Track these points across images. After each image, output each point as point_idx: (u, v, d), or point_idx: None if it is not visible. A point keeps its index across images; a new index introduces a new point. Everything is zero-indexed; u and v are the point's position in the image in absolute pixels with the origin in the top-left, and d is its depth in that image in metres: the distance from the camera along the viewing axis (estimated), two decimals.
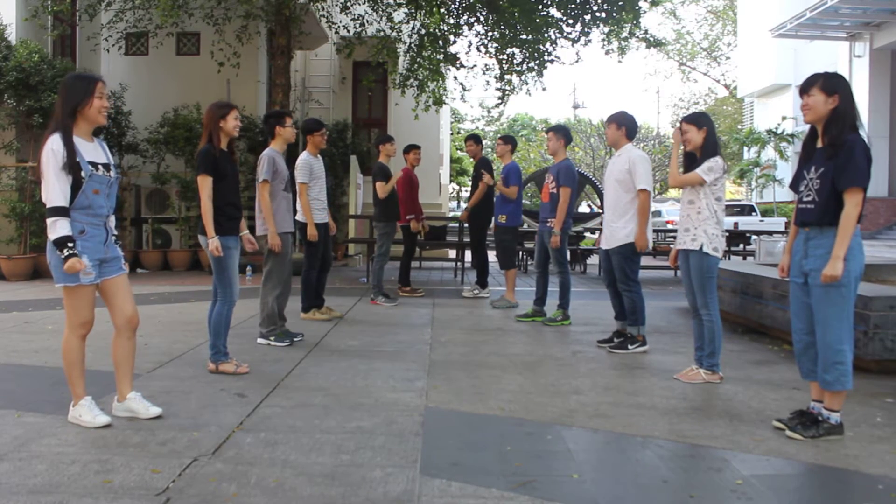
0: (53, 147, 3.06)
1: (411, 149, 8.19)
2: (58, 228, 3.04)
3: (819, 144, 3.26)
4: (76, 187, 3.10)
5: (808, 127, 3.35)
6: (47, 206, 3.06)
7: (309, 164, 5.96)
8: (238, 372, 4.23)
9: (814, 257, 3.21)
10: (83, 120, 3.18)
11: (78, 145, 3.13)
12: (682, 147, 4.35)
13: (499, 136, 8.18)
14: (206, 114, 4.28)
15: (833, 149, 3.13)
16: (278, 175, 5.19)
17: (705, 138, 4.21)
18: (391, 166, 7.54)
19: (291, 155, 5.47)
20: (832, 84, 3.18)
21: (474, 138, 8.16)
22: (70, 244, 3.04)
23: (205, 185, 4.17)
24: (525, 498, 2.51)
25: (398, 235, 7.79)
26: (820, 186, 3.17)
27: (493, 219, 7.62)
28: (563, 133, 6.40)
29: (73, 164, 3.06)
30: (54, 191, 3.05)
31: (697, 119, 4.27)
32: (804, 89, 3.25)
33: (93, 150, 3.22)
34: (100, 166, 3.20)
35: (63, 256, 3.03)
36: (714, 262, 4.21)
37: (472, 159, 8.48)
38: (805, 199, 3.26)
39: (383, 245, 7.35)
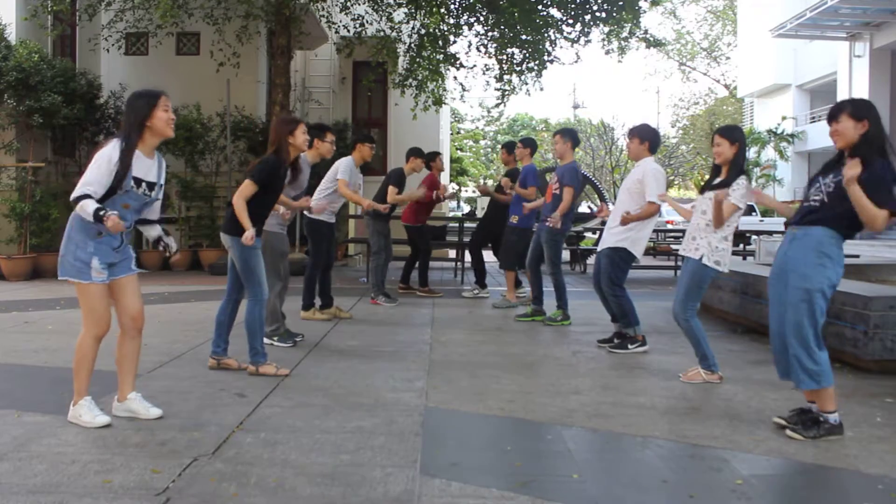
0: (110, 153, 3.12)
1: (436, 155, 8.20)
2: (88, 205, 3.03)
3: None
4: (110, 194, 3.13)
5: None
6: (79, 186, 3.07)
7: (350, 166, 6.36)
8: (279, 373, 4.24)
9: (792, 257, 3.25)
10: (150, 134, 3.24)
11: (135, 159, 3.18)
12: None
13: (519, 139, 8.09)
14: (273, 129, 4.44)
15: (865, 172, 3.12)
16: (297, 184, 5.21)
17: (736, 154, 4.13)
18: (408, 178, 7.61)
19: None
20: (861, 110, 3.19)
21: (507, 147, 8.11)
22: (102, 211, 3.02)
23: (247, 188, 4.18)
24: (525, 498, 2.51)
25: (400, 236, 7.79)
26: (833, 190, 3.17)
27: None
28: (570, 136, 6.41)
29: (119, 176, 3.12)
30: (94, 180, 3.08)
31: (731, 133, 4.17)
32: (832, 116, 3.25)
33: (146, 168, 3.26)
34: (144, 183, 3.23)
35: (106, 216, 3.00)
36: (710, 274, 4.17)
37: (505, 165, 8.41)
38: (813, 198, 3.27)
39: (377, 243, 7.34)
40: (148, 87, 3.37)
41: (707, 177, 4.43)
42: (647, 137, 5.18)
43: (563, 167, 6.28)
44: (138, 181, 3.21)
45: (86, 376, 3.26)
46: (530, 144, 7.45)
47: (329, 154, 5.51)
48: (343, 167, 6.34)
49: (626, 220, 4.95)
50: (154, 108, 3.23)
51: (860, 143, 3.16)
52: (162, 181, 3.39)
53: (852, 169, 3.02)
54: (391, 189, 7.26)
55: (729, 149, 4.13)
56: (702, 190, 4.32)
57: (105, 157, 3.12)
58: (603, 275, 5.16)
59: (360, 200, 6.60)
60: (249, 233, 4.08)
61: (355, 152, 6.52)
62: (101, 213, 3.01)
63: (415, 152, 7.68)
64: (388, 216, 7.46)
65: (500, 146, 7.66)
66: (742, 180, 4.10)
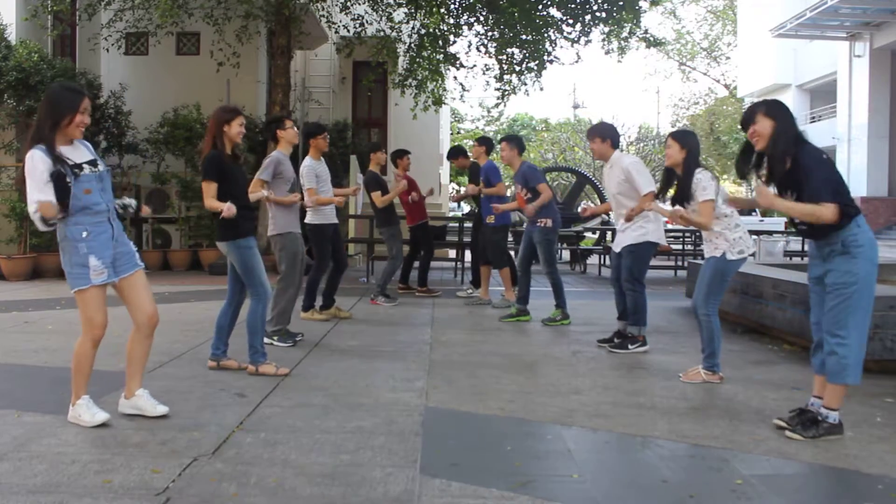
0: (36, 165, 3.07)
1: (404, 154, 8.17)
2: (49, 205, 3.02)
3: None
4: (66, 194, 3.09)
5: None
6: (30, 205, 3.06)
7: (313, 169, 5.97)
8: (279, 373, 4.24)
9: (830, 260, 3.21)
10: (61, 133, 3.16)
11: (59, 153, 3.13)
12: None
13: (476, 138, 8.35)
14: (212, 117, 4.29)
15: (793, 166, 3.15)
16: (282, 177, 5.20)
17: (685, 159, 4.22)
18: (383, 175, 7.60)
19: (292, 158, 5.49)
20: (772, 110, 3.26)
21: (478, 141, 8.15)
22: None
23: (209, 190, 4.18)
24: (525, 498, 2.51)
25: (404, 236, 7.80)
26: (797, 198, 3.19)
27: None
28: (516, 142, 6.61)
29: (58, 174, 3.08)
30: (38, 198, 3.05)
31: (682, 138, 4.29)
32: (747, 119, 3.32)
33: (73, 152, 3.20)
34: (84, 165, 3.18)
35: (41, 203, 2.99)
36: (734, 266, 4.18)
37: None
38: (797, 221, 3.27)
39: (393, 248, 7.37)
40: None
41: (671, 185, 4.47)
42: (607, 135, 5.29)
43: (520, 171, 6.40)
44: (78, 166, 3.16)
45: (84, 379, 3.26)
46: (486, 143, 7.57)
47: (295, 139, 5.40)
48: (305, 174, 5.95)
49: (631, 216, 5.00)
50: (75, 112, 3.15)
51: (771, 140, 3.21)
52: (96, 156, 3.32)
53: (764, 198, 3.11)
54: (375, 196, 7.27)
55: (678, 152, 4.23)
56: (676, 201, 4.32)
57: (32, 171, 3.07)
58: (624, 270, 5.15)
59: (330, 199, 6.12)
60: (227, 205, 4.04)
61: (311, 150, 6.13)
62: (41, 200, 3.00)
63: (371, 147, 7.74)
64: (395, 218, 7.48)
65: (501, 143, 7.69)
66: (699, 175, 4.14)
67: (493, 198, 7.13)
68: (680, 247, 12.30)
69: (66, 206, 3.10)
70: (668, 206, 4.71)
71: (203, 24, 10.98)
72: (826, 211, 3.03)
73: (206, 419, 3.36)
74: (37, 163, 3.08)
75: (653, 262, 11.90)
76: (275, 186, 5.22)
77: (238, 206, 4.20)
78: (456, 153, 8.30)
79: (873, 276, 3.17)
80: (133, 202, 3.55)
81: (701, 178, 4.13)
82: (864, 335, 3.19)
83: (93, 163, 3.24)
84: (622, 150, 5.44)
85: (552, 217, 6.24)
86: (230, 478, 2.66)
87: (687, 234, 12.21)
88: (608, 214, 7.63)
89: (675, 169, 4.28)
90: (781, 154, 3.18)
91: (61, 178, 3.08)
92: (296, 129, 5.48)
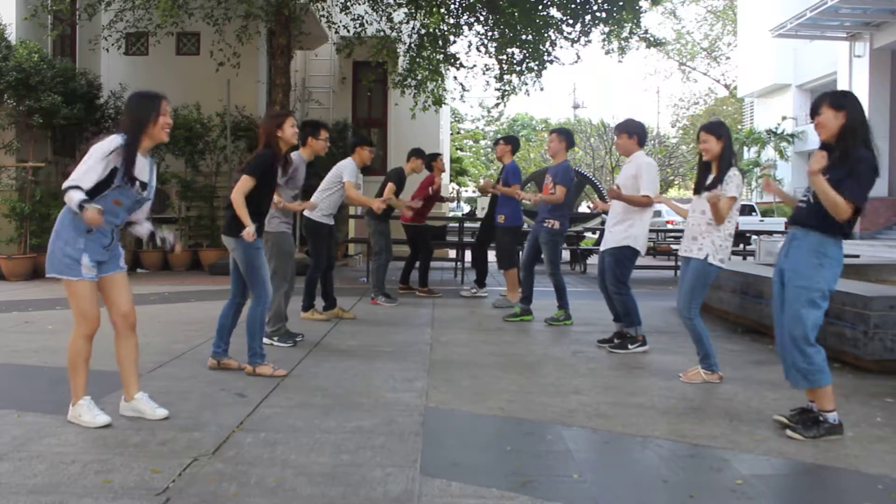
0: (106, 147, 3.11)
1: (437, 156, 8.20)
2: (74, 196, 3.01)
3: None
4: (103, 187, 3.11)
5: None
6: (69, 178, 3.06)
7: (354, 171, 6.31)
8: (276, 374, 4.23)
9: (792, 257, 3.28)
10: (147, 137, 3.26)
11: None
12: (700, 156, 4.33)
13: (499, 136, 8.21)
14: (261, 127, 4.43)
15: (841, 160, 3.15)
16: (292, 182, 5.21)
17: (723, 149, 4.18)
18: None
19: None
20: (839, 100, 3.22)
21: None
22: (86, 203, 3.00)
23: (245, 185, 4.15)
24: (525, 498, 2.51)
25: (399, 235, 7.79)
26: (814, 192, 3.20)
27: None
28: (565, 136, 6.44)
29: (113, 171, 3.12)
30: (85, 173, 3.07)
31: (716, 129, 4.23)
32: (814, 109, 3.28)
33: (140, 167, 3.26)
34: (138, 182, 3.23)
35: (84, 209, 2.97)
36: (714, 271, 4.20)
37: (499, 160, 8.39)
38: (802, 199, 3.33)
39: (378, 243, 7.36)
40: (147, 88, 3.37)
41: (697, 176, 4.44)
42: (634, 132, 5.24)
43: (557, 166, 6.32)
44: (133, 180, 3.20)
45: (82, 376, 3.25)
46: (512, 142, 7.50)
47: (323, 151, 5.48)
48: (348, 170, 6.26)
49: (614, 194, 5.01)
50: (157, 114, 3.25)
51: (840, 133, 3.19)
52: (153, 182, 3.40)
53: (817, 162, 3.07)
54: (389, 186, 7.29)
55: (716, 144, 4.18)
56: (696, 190, 4.33)
57: (100, 152, 3.11)
58: (608, 273, 5.17)
59: (370, 202, 6.51)
60: (250, 229, 4.06)
61: (355, 155, 6.43)
62: (84, 204, 2.98)
63: (416, 153, 7.74)
64: (388, 216, 7.47)
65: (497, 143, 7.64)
66: (733, 171, 4.15)
67: (508, 198, 7.12)
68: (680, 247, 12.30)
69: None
70: (684, 206, 4.72)
71: (203, 24, 10.97)
72: (841, 206, 3.06)
73: (206, 419, 3.36)
74: (102, 147, 3.11)
75: (652, 262, 11.96)
76: (281, 189, 5.20)
77: (256, 211, 4.20)
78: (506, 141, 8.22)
79: (830, 290, 3.25)
80: (170, 237, 3.57)
81: (734, 174, 4.13)
82: (814, 335, 3.24)
83: (143, 185, 3.29)
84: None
85: (560, 220, 6.23)
86: (230, 478, 2.66)
87: None
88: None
89: (714, 162, 4.22)
90: (844, 147, 3.16)
91: (113, 174, 3.13)
92: (327, 141, 5.52)
